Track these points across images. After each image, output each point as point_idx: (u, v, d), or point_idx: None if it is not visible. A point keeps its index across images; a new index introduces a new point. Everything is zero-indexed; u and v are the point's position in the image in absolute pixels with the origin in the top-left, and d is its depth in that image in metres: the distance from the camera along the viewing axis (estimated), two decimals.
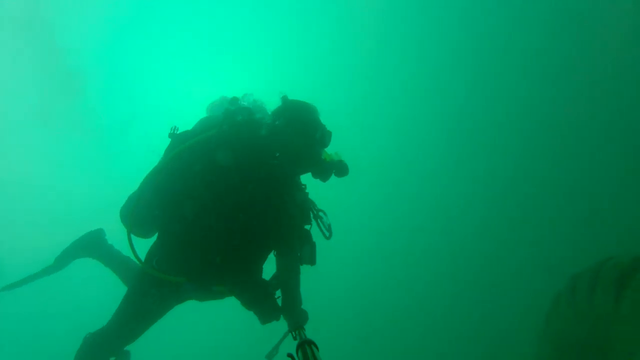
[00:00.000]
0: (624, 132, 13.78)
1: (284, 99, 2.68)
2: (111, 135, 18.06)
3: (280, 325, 2.82)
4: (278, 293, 2.86)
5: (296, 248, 2.66)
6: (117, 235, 2.97)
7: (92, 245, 3.21)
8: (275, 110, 2.66)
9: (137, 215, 2.55)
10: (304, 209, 2.72)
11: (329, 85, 20.61)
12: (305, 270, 2.76)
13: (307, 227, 2.76)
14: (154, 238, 2.74)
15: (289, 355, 1.45)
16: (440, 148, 19.84)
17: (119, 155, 17.48)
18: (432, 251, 19.12)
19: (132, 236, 2.63)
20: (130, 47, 19.06)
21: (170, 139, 2.66)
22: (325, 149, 2.67)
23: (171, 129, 2.65)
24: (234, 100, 2.60)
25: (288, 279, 2.86)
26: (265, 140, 2.61)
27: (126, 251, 3.02)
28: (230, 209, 2.40)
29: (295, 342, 1.64)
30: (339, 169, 2.60)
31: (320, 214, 2.71)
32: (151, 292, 2.54)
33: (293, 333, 2.52)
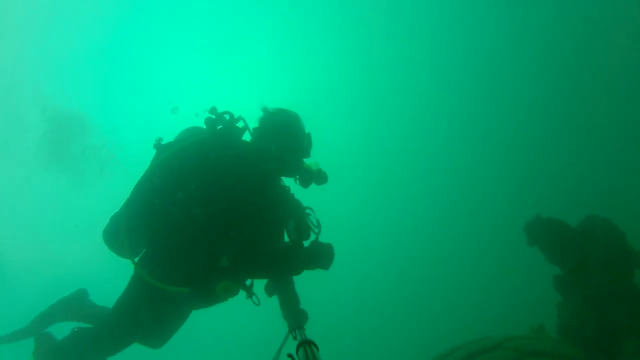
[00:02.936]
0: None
1: (265, 109, 2.74)
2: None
3: (281, 329, 2.82)
4: (275, 298, 2.91)
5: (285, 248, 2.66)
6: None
7: (75, 307, 2.95)
8: (261, 119, 2.72)
9: (126, 234, 2.51)
10: (290, 207, 2.75)
11: (334, 86, 20.58)
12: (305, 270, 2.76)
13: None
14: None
15: (289, 355, 1.45)
16: (445, 147, 19.83)
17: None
18: (432, 252, 19.13)
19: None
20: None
21: (155, 150, 2.69)
22: (305, 159, 2.75)
23: (156, 140, 2.69)
24: (214, 109, 2.63)
25: (282, 280, 2.91)
26: (249, 146, 2.68)
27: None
28: (219, 212, 2.41)
29: (295, 342, 1.64)
30: (319, 177, 2.71)
31: (308, 211, 2.73)
32: (145, 306, 2.51)
33: (293, 333, 2.53)
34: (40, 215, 16.05)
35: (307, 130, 2.73)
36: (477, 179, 18.55)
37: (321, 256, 2.48)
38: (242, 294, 2.57)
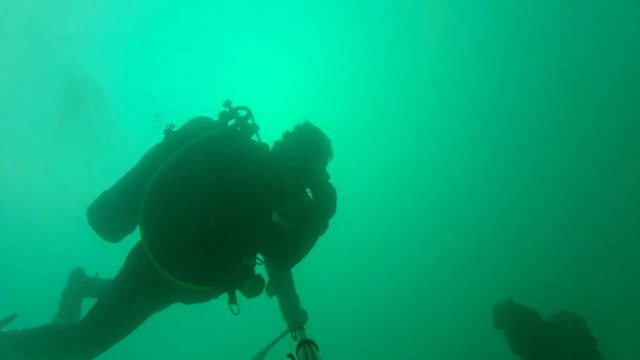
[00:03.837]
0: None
1: (307, 124, 2.67)
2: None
3: (278, 328, 2.80)
4: (275, 298, 2.88)
5: (283, 250, 2.55)
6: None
7: (79, 287, 3.00)
8: (296, 127, 2.66)
9: (119, 215, 2.40)
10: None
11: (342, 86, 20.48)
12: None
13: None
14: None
15: (289, 355, 1.43)
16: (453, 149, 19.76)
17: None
18: (432, 252, 19.14)
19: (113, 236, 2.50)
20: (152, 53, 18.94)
21: (165, 136, 2.55)
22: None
23: (167, 125, 2.56)
24: (228, 103, 2.57)
25: (282, 280, 2.88)
26: (266, 147, 2.64)
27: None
28: (229, 209, 2.34)
29: (295, 342, 1.63)
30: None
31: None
32: (138, 299, 2.39)
33: (293, 333, 2.51)
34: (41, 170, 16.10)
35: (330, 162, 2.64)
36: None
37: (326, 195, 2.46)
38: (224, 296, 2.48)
